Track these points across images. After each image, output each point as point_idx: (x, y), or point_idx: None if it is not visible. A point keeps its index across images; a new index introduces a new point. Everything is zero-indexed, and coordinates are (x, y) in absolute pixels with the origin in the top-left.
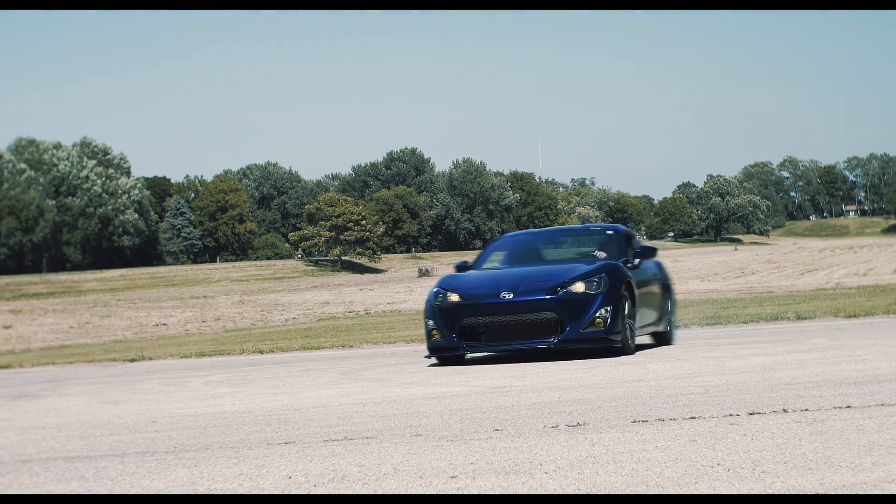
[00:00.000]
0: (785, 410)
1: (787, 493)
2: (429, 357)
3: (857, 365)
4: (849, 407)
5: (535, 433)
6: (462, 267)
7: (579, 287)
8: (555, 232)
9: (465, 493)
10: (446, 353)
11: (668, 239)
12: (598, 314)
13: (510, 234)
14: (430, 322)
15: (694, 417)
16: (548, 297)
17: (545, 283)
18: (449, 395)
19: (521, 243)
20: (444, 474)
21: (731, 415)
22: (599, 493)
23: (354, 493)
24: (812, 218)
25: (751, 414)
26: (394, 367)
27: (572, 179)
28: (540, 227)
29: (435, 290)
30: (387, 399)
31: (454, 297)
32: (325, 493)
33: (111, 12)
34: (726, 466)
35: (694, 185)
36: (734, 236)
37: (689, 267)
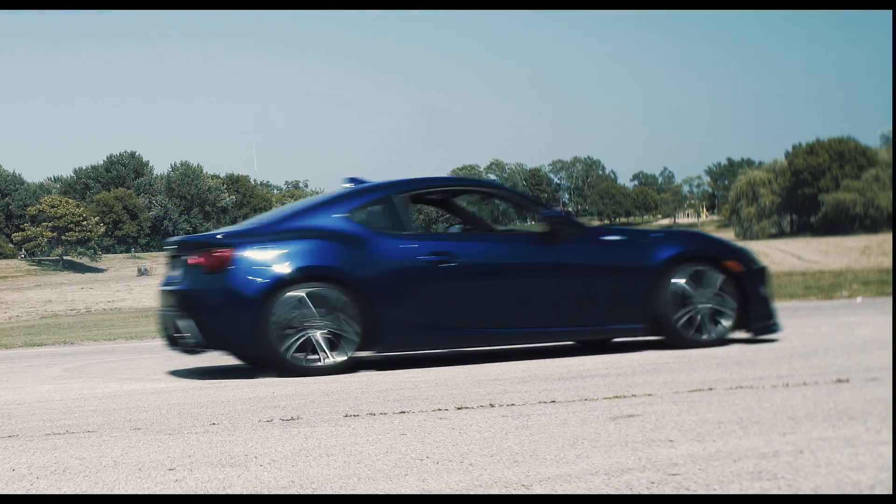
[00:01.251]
0: (492, 405)
1: (498, 487)
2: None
3: (561, 361)
4: (553, 402)
5: (250, 427)
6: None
7: None
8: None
9: (184, 483)
10: None
11: None
12: None
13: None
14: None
15: (404, 412)
16: None
17: None
18: (167, 391)
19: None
20: (162, 466)
21: (439, 409)
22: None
23: (76, 485)
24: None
25: (459, 408)
26: (114, 364)
27: (286, 182)
28: None
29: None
30: (107, 394)
31: None
32: (48, 485)
33: None
34: (435, 459)
35: None
36: None
37: None
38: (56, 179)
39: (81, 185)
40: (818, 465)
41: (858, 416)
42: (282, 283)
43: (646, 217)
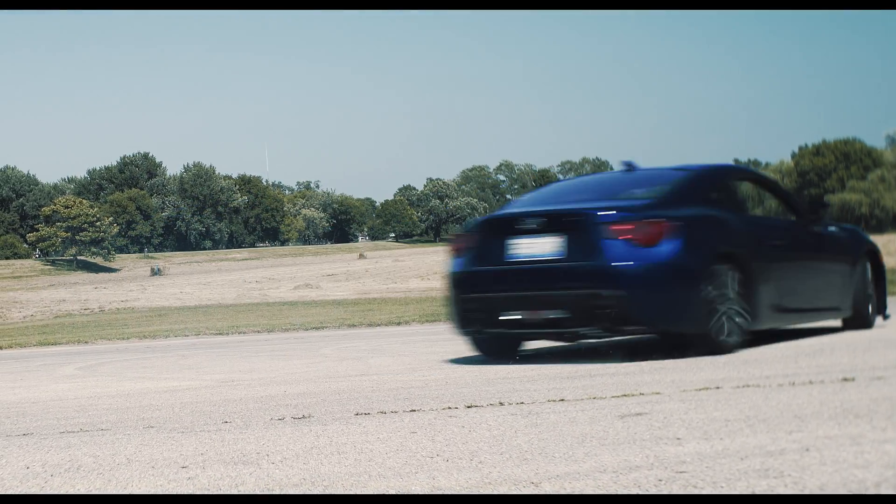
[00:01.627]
0: (501, 403)
1: (506, 483)
2: None
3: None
4: (562, 400)
5: (262, 425)
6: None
7: None
8: None
9: (197, 481)
10: None
11: (390, 239)
12: None
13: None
14: None
15: (414, 410)
16: None
17: None
18: (180, 389)
19: None
20: (175, 464)
21: (449, 408)
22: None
23: (90, 482)
24: None
25: (469, 407)
26: (127, 362)
27: (298, 182)
28: (267, 228)
29: None
30: (121, 392)
31: None
32: (62, 482)
33: None
34: (445, 457)
35: (414, 188)
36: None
37: (409, 266)
38: (70, 180)
39: (95, 185)
40: (824, 463)
41: (864, 414)
42: (714, 260)
43: None
